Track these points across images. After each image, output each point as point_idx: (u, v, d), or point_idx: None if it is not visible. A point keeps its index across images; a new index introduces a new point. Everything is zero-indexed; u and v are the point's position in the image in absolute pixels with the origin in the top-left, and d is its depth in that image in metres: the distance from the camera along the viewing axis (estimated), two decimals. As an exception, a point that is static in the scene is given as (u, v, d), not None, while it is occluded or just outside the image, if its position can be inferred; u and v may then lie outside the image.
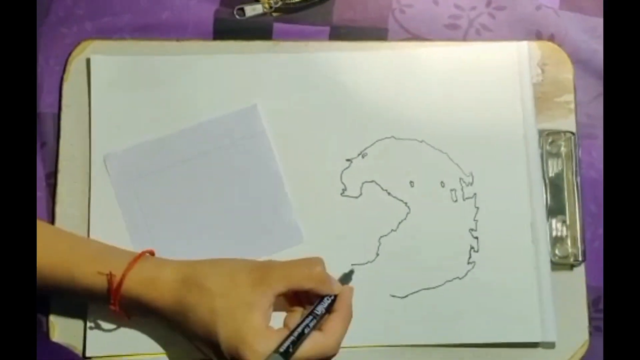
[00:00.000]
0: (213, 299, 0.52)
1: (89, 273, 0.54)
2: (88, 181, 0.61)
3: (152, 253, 0.57)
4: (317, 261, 0.55)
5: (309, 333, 0.52)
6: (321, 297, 0.54)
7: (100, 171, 0.61)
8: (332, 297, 0.55)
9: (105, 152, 0.61)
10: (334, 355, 0.54)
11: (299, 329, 0.52)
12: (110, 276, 0.53)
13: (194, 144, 0.62)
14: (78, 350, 0.59)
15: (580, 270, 0.61)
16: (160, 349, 0.59)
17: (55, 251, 0.55)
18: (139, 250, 0.56)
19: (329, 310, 0.54)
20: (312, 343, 0.52)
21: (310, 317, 0.53)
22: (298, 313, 0.55)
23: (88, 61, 0.62)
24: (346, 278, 0.58)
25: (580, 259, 0.61)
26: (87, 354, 0.59)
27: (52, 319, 0.59)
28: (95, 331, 0.59)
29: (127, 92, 0.62)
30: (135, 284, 0.53)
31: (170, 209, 0.61)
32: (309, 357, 0.52)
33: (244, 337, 0.50)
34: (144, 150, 0.62)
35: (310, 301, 0.55)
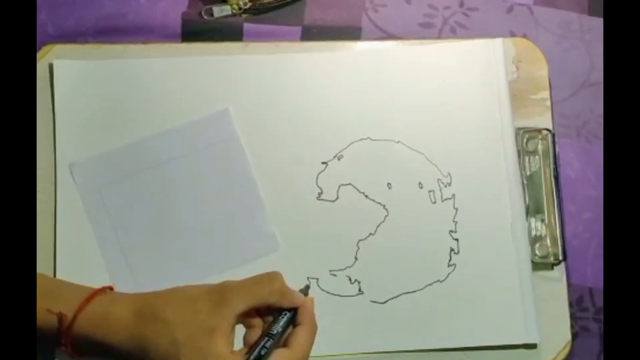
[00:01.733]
0: (173, 330, 0.49)
1: (38, 311, 0.50)
2: (53, 192, 0.59)
3: (111, 288, 0.54)
4: (276, 275, 0.52)
5: (267, 354, 0.50)
6: (279, 314, 0.53)
7: (67, 181, 0.59)
8: (291, 312, 0.52)
9: (71, 160, 0.59)
10: None
11: (255, 353, 0.50)
12: (60, 315, 0.50)
13: (163, 150, 0.60)
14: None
15: (560, 270, 0.61)
16: None
17: None
18: (110, 262, 0.54)
19: (289, 324, 0.52)
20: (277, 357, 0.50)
21: (267, 338, 0.51)
22: (258, 329, 0.53)
23: (51, 66, 0.60)
24: (305, 291, 0.56)
25: (560, 258, 0.60)
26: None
27: None
28: None
29: (92, 98, 0.60)
30: (88, 321, 0.50)
31: (140, 218, 0.59)
32: None
33: None
34: (112, 158, 0.59)
35: (270, 314, 0.54)
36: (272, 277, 0.52)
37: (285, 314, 0.52)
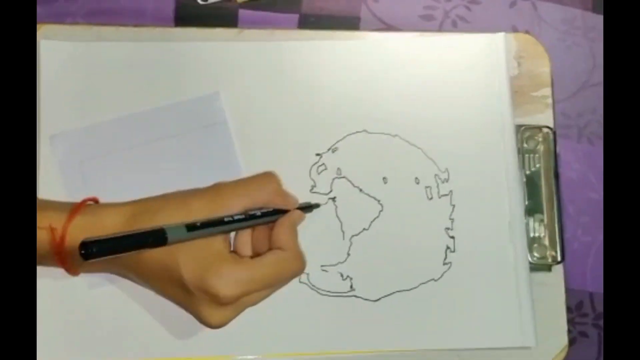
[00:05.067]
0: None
1: None
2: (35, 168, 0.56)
3: (95, 201, 0.53)
4: (271, 175, 0.53)
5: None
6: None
7: (48, 158, 0.56)
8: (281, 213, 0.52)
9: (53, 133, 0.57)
10: (299, 269, 0.51)
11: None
12: (50, 229, 0.48)
13: (147, 129, 0.57)
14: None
15: (558, 272, 0.59)
16: (122, 356, 0.55)
17: None
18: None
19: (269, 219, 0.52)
20: (271, 256, 0.50)
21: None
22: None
23: (38, 46, 0.58)
24: (307, 209, 0.55)
25: (558, 259, 0.58)
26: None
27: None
28: (48, 339, 0.54)
29: (79, 80, 0.58)
30: (79, 231, 0.48)
31: (119, 196, 0.56)
32: (272, 273, 0.49)
33: (209, 265, 0.47)
34: (94, 133, 0.57)
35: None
36: (268, 178, 0.53)
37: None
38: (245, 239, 0.52)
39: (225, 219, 0.49)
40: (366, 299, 0.56)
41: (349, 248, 0.57)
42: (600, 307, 0.59)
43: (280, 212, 0.53)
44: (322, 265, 0.57)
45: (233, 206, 0.50)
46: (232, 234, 0.53)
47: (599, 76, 0.62)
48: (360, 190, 0.58)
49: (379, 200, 0.58)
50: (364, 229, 0.57)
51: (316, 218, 0.57)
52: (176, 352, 0.55)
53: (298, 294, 0.56)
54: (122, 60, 0.58)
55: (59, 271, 0.51)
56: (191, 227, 0.47)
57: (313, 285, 0.56)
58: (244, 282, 0.48)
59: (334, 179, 0.58)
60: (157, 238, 0.46)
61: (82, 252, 0.42)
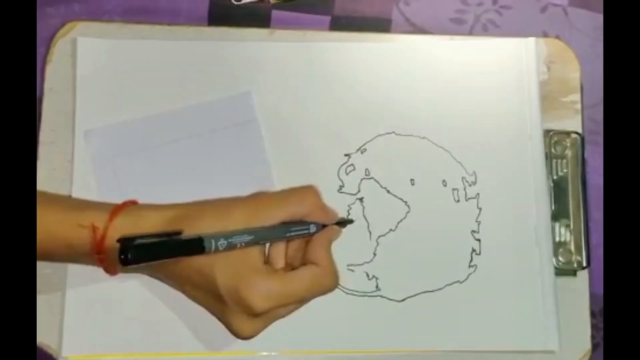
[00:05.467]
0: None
1: (69, 226, 0.49)
2: (69, 168, 0.57)
3: (134, 203, 0.53)
4: (312, 189, 0.53)
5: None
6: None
7: (84, 156, 0.58)
8: (318, 226, 0.52)
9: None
10: (332, 286, 0.52)
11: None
12: (92, 228, 0.49)
13: (180, 127, 0.58)
14: (52, 349, 0.55)
15: (583, 278, 0.59)
16: (145, 349, 0.55)
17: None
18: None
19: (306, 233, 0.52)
20: (305, 271, 0.50)
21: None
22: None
23: (74, 42, 0.59)
24: (342, 223, 0.56)
25: (584, 265, 0.58)
26: (64, 354, 0.55)
27: (26, 314, 0.55)
28: (74, 329, 0.55)
29: (114, 77, 0.59)
30: (120, 232, 0.49)
31: (149, 192, 0.57)
32: (305, 288, 0.50)
33: (243, 277, 0.48)
34: (128, 129, 0.58)
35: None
36: (309, 192, 0.53)
37: (315, 225, 0.52)
38: (280, 251, 0.52)
39: (265, 234, 0.50)
40: (391, 299, 0.57)
41: (375, 248, 0.58)
42: (624, 314, 0.59)
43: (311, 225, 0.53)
44: (348, 265, 0.57)
45: (273, 218, 0.50)
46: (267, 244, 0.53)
47: (628, 83, 0.62)
48: (388, 191, 0.59)
49: (406, 202, 0.58)
50: (391, 230, 0.58)
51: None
52: (199, 347, 0.56)
53: (324, 292, 0.57)
54: (156, 58, 0.59)
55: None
56: (228, 236, 0.47)
57: (339, 284, 0.57)
58: (276, 295, 0.48)
59: (362, 180, 0.59)
60: (195, 247, 0.46)
61: (121, 257, 0.43)
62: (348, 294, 0.57)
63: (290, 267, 0.52)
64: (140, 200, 0.56)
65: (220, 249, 0.47)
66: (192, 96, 0.59)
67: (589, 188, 0.60)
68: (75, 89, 0.58)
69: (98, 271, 0.52)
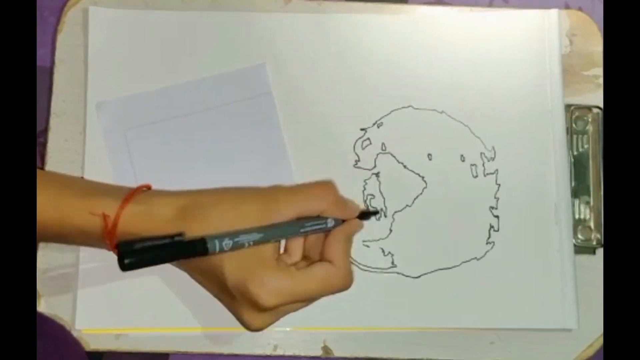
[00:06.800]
0: (217, 231, 0.47)
1: (81, 213, 0.49)
2: (81, 139, 0.57)
3: (148, 187, 0.52)
4: (329, 184, 0.51)
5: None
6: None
7: (96, 128, 0.57)
8: (338, 221, 0.51)
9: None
10: (345, 287, 0.50)
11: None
12: (103, 216, 0.48)
13: (193, 99, 0.57)
14: (66, 322, 0.55)
15: (602, 256, 0.58)
16: (159, 324, 0.55)
17: (44, 191, 0.49)
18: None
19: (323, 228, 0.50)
20: (318, 269, 0.49)
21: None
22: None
23: (85, 12, 0.58)
24: (365, 216, 0.54)
25: (603, 243, 0.57)
26: (77, 327, 0.54)
27: (38, 287, 0.55)
28: (87, 302, 0.54)
29: (126, 47, 0.58)
30: (130, 219, 0.48)
31: (162, 164, 0.56)
32: (316, 288, 0.48)
33: (252, 271, 0.47)
34: (140, 101, 0.57)
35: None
36: (326, 188, 0.51)
37: (332, 220, 0.51)
38: (297, 242, 0.51)
39: (276, 232, 0.48)
40: (407, 276, 0.56)
41: (391, 224, 0.57)
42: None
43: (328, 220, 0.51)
44: (363, 241, 0.56)
45: (287, 213, 0.49)
46: None
47: (652, 57, 0.60)
48: (405, 166, 0.58)
49: (423, 177, 0.57)
50: (407, 206, 0.57)
51: (358, 193, 0.57)
52: (214, 322, 0.55)
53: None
54: (169, 29, 0.58)
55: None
56: (234, 235, 0.46)
57: (354, 260, 0.56)
58: (285, 293, 0.47)
59: (378, 154, 0.58)
60: (198, 249, 0.45)
61: (120, 262, 0.42)
62: (364, 270, 0.56)
63: (308, 259, 0.51)
64: (152, 173, 0.55)
65: (226, 249, 0.46)
66: (205, 68, 0.58)
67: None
68: (86, 60, 0.58)
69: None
